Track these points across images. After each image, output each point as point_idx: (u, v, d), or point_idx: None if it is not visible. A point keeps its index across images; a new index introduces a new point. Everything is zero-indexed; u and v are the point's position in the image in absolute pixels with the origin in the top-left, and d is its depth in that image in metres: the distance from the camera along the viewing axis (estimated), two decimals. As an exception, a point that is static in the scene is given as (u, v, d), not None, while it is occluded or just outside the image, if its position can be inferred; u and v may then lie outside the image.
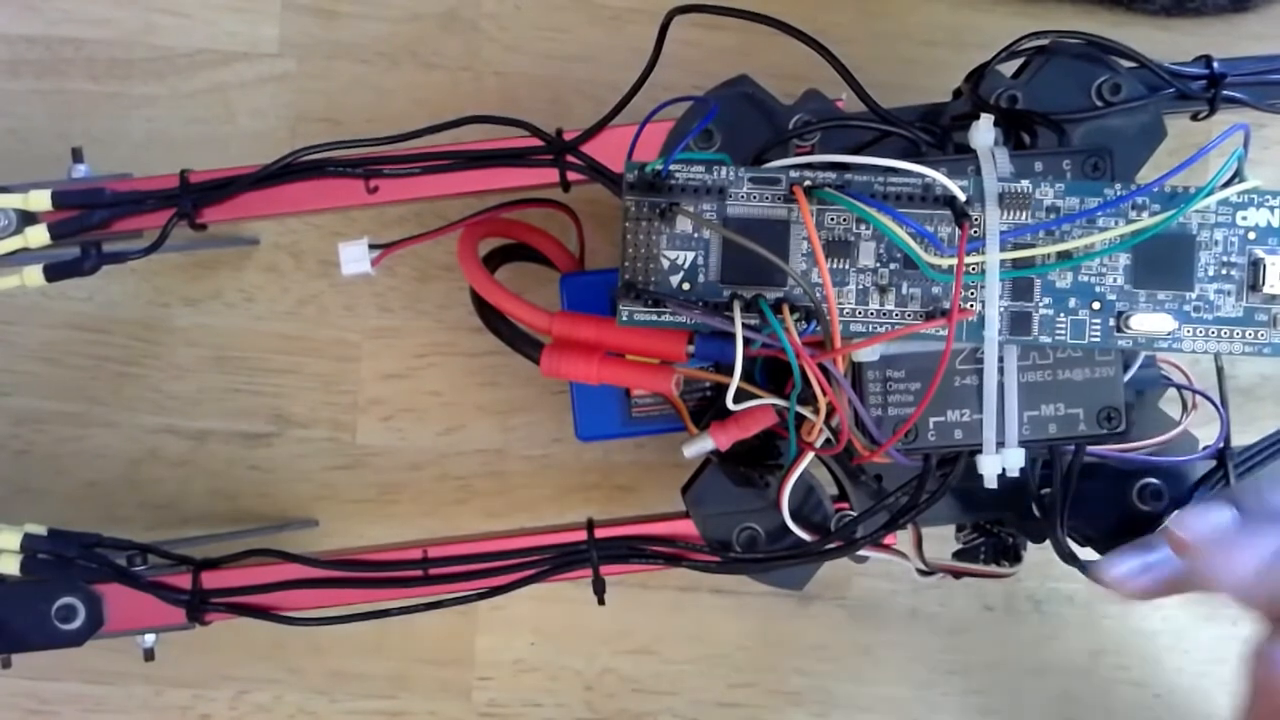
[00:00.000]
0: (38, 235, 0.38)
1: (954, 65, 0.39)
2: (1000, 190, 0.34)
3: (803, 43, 0.37)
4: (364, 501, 0.48)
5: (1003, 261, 0.33)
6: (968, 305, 0.34)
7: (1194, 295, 0.34)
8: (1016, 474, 0.35)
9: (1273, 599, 0.33)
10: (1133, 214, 0.34)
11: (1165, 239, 0.34)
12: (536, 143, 0.39)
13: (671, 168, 0.34)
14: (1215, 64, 0.39)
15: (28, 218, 0.39)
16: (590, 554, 0.39)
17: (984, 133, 0.35)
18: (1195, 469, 0.39)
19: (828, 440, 0.36)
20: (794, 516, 0.38)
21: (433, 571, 0.39)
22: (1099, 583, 0.36)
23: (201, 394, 0.48)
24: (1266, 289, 0.34)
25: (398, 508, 0.48)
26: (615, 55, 0.47)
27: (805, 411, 0.35)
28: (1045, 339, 0.34)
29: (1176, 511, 0.36)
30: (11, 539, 0.39)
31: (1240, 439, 0.40)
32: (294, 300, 0.48)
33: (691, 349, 0.35)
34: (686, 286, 0.34)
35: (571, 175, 0.39)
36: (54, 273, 0.38)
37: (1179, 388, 0.39)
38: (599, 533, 0.40)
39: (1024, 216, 0.34)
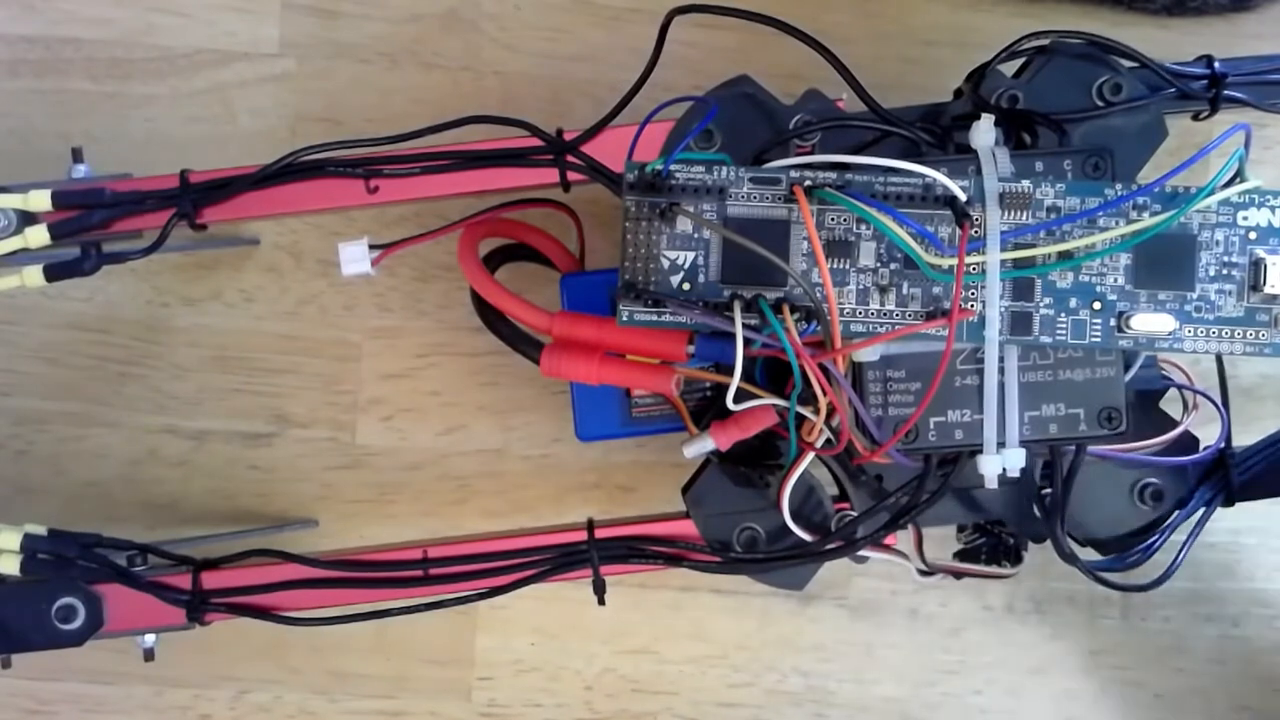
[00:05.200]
0: (38, 235, 0.38)
1: (954, 65, 0.39)
2: (1001, 190, 0.34)
3: (803, 42, 0.37)
4: (364, 501, 0.48)
5: (1003, 261, 0.33)
6: (968, 305, 0.34)
7: (1195, 295, 0.34)
8: (1017, 474, 0.35)
9: None
10: (1133, 214, 0.34)
11: (1166, 239, 0.34)
12: (537, 143, 0.39)
13: (672, 168, 0.34)
14: (1216, 64, 0.39)
15: (28, 218, 0.39)
16: (590, 554, 0.39)
17: (984, 133, 0.35)
18: (1196, 469, 0.39)
19: (828, 440, 0.36)
20: (794, 516, 0.38)
21: (433, 571, 0.39)
22: None
23: (201, 394, 0.48)
24: (1267, 289, 0.34)
25: (398, 508, 0.48)
26: (615, 55, 0.47)
27: (805, 411, 0.35)
28: (1046, 339, 0.34)
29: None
30: (11, 539, 0.39)
31: (1241, 439, 0.40)
32: (294, 300, 0.48)
33: (691, 349, 0.35)
34: (686, 286, 0.34)
35: (571, 175, 0.39)
36: (54, 273, 0.38)
37: (1180, 388, 0.39)
38: (599, 533, 0.40)
39: (1024, 216, 0.34)
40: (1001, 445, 0.35)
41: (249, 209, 0.39)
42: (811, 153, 0.37)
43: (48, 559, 0.39)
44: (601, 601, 0.39)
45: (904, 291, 0.34)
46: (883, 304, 0.34)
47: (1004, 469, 0.35)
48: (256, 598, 0.40)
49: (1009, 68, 0.38)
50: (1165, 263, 0.34)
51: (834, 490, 0.40)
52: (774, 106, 0.38)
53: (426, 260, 0.47)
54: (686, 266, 0.34)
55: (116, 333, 0.47)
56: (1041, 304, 0.34)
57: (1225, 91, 0.38)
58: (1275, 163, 0.48)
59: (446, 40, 0.47)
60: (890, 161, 0.34)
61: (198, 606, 0.39)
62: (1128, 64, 0.37)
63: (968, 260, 0.33)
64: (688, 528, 0.40)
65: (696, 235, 0.34)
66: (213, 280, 0.47)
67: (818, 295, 0.33)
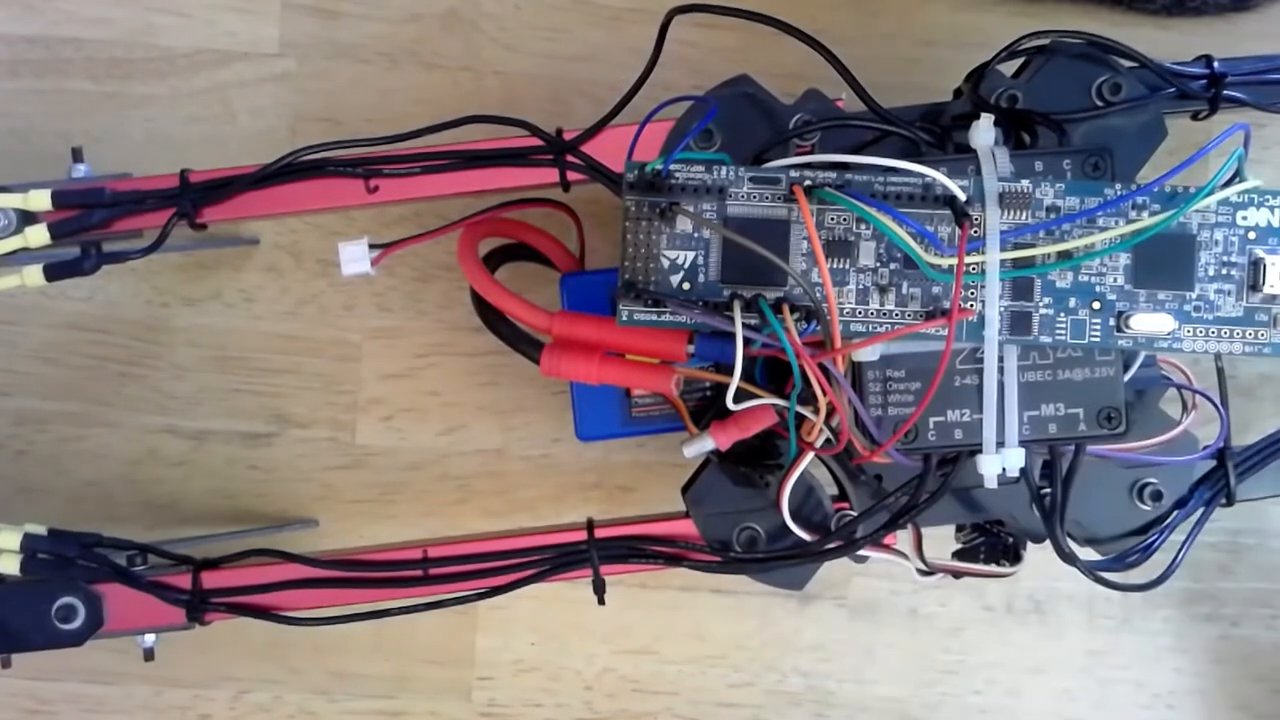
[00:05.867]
0: (38, 235, 0.38)
1: (954, 65, 0.39)
2: (1000, 190, 0.34)
3: (803, 42, 0.37)
4: (364, 501, 0.48)
5: (1003, 261, 0.33)
6: (968, 305, 0.34)
7: (1194, 295, 0.34)
8: (1016, 474, 0.35)
9: None
10: (1133, 214, 0.34)
11: (1165, 239, 0.34)
12: (536, 142, 0.39)
13: (671, 167, 0.34)
14: (1216, 64, 0.39)
15: (28, 217, 0.39)
16: (590, 554, 0.39)
17: (984, 132, 0.35)
18: (1195, 469, 0.39)
19: (828, 440, 0.36)
20: (794, 516, 0.38)
21: (433, 571, 0.39)
22: None
23: (201, 394, 0.48)
24: (1267, 289, 0.34)
25: (398, 508, 0.48)
26: (615, 55, 0.47)
27: (805, 411, 0.35)
28: (1045, 339, 0.34)
29: None
30: (11, 539, 0.39)
31: (1240, 439, 0.40)
32: (294, 300, 0.48)
33: (691, 349, 0.35)
34: (686, 286, 0.34)
35: (571, 175, 0.39)
36: (54, 273, 0.38)
37: (1179, 388, 0.39)
38: (599, 533, 0.40)
39: (1024, 216, 0.34)
40: (1001, 445, 0.35)
41: (249, 209, 0.39)
42: (811, 152, 0.37)
43: (48, 559, 0.39)
44: (601, 601, 0.39)
45: (904, 291, 0.34)
46: (882, 304, 0.34)
47: (1003, 469, 0.35)
48: (256, 598, 0.40)
49: (1009, 68, 0.38)
50: (1165, 263, 0.34)
51: (834, 490, 0.40)
52: (774, 106, 0.38)
53: (426, 260, 0.47)
54: (686, 266, 0.34)
55: (116, 333, 0.47)
56: (1041, 304, 0.34)
57: (1225, 91, 0.38)
58: (1275, 163, 0.48)
59: (446, 40, 0.47)
60: (890, 161, 0.34)
61: (198, 606, 0.39)
62: (1127, 64, 0.37)
63: (967, 260, 0.33)
64: (688, 528, 0.40)
65: (696, 235, 0.34)
66: (213, 280, 0.47)
67: (817, 295, 0.33)
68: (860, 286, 0.34)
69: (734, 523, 0.39)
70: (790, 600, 0.48)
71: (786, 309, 0.33)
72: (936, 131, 0.37)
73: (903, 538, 0.40)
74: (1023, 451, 0.35)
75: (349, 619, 0.39)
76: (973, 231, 0.33)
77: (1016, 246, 0.34)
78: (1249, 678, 0.49)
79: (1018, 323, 0.34)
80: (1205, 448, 0.39)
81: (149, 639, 0.40)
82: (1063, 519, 0.36)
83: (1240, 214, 0.34)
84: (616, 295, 0.34)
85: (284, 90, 0.47)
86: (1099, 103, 0.37)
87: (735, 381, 0.34)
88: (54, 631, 0.39)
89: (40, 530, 0.39)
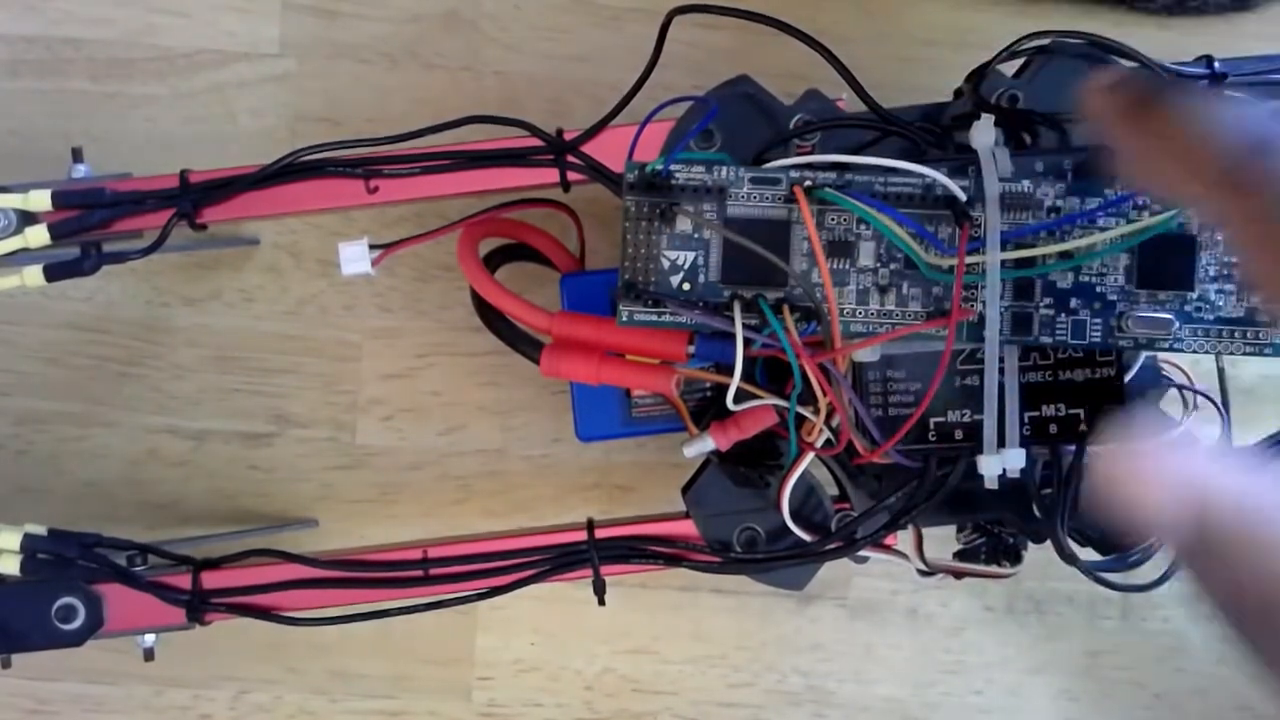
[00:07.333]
0: (38, 235, 0.38)
1: (954, 65, 0.39)
2: (1001, 190, 0.34)
3: (803, 42, 0.37)
4: (364, 501, 0.48)
5: (1003, 262, 0.33)
6: (968, 305, 0.34)
7: (1195, 295, 0.34)
8: (1017, 474, 0.35)
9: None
10: (1133, 214, 0.34)
11: (1166, 239, 0.34)
12: (537, 143, 0.39)
13: (672, 168, 0.34)
14: (1216, 64, 0.39)
15: (28, 218, 0.39)
16: (590, 554, 0.39)
17: (985, 133, 0.35)
18: (1196, 469, 0.39)
19: (828, 440, 0.36)
20: (794, 516, 0.38)
21: (433, 571, 0.39)
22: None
23: (201, 394, 0.48)
24: (1267, 289, 0.34)
25: (398, 508, 0.48)
26: (615, 55, 0.47)
27: (805, 411, 0.35)
28: (1046, 339, 0.34)
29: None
30: (11, 539, 0.39)
31: (1241, 439, 0.39)
32: (294, 300, 0.48)
33: (692, 349, 0.35)
34: (686, 286, 0.34)
35: (571, 175, 0.39)
36: (54, 273, 0.38)
37: (1180, 388, 0.39)
38: (599, 533, 0.40)
39: (1025, 216, 0.34)
40: (1001, 445, 0.35)
41: (249, 209, 0.39)
42: (811, 153, 0.37)
43: (48, 559, 0.39)
44: (601, 601, 0.39)
45: (904, 291, 0.34)
46: (883, 304, 0.34)
47: (1004, 469, 0.35)
48: (256, 598, 0.40)
49: (1009, 67, 0.38)
50: (1165, 263, 0.34)
51: (834, 490, 0.40)
52: (774, 106, 0.38)
53: (426, 260, 0.47)
54: (686, 266, 0.34)
55: (116, 333, 0.47)
56: (1041, 304, 0.34)
57: (1225, 91, 0.38)
58: (1275, 163, 0.48)
59: (446, 40, 0.47)
60: (890, 161, 0.34)
61: (198, 606, 0.39)
62: (1128, 64, 0.37)
63: (968, 260, 0.33)
64: (688, 528, 0.40)
65: (696, 235, 0.34)
66: (213, 280, 0.47)
67: (818, 295, 0.33)
68: (860, 287, 0.34)
69: (734, 523, 0.39)
70: (790, 600, 0.48)
71: (787, 309, 0.33)
72: (937, 132, 0.37)
73: (903, 538, 0.39)
74: (1023, 451, 0.35)
75: (349, 619, 0.39)
76: (973, 232, 0.33)
77: (1017, 247, 0.34)
78: (1249, 678, 0.48)
79: (1018, 323, 0.34)
80: (1205, 448, 0.39)
81: (149, 639, 0.40)
82: (1063, 519, 0.36)
83: (1241, 214, 0.34)
84: (616, 295, 0.34)
85: (284, 90, 0.47)
86: (1099, 103, 0.37)
87: (735, 382, 0.34)
88: (54, 631, 0.39)
89: (40, 530, 0.39)
